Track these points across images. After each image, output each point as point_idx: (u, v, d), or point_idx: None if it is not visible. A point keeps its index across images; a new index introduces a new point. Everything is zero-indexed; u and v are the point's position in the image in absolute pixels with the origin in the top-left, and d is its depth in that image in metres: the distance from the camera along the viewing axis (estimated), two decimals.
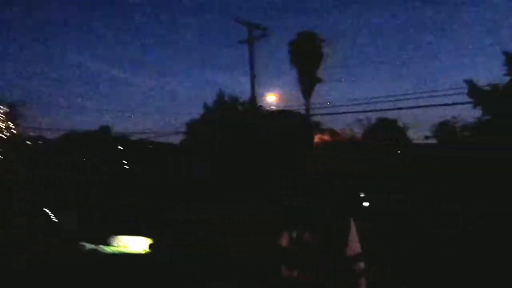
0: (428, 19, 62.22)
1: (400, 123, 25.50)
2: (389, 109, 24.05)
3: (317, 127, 29.08)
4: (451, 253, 8.06)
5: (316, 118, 30.28)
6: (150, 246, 10.93)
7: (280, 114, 1.97)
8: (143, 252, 11.33)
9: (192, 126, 27.23)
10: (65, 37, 71.47)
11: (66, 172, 20.05)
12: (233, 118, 20.91)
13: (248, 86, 24.31)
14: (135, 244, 11.65)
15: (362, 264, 1.69)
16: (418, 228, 9.95)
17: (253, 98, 23.60)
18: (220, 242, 7.93)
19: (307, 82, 30.41)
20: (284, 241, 1.69)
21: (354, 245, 1.69)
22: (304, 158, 1.76)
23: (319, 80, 30.44)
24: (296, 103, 31.22)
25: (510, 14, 59.35)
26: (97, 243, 11.34)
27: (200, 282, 6.60)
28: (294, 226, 1.68)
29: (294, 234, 1.67)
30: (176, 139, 29.67)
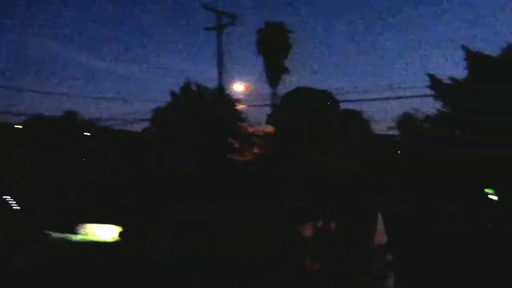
0: (394, 13, 63.55)
1: (364, 115, 26.12)
2: (357, 100, 24.48)
3: None
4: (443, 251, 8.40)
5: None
6: (120, 234, 10.95)
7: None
8: (112, 240, 11.30)
9: (158, 114, 26.90)
10: (27, 20, 68.90)
11: (39, 158, 19.51)
12: (200, 107, 20.85)
13: (216, 75, 24.23)
14: (104, 232, 11.61)
15: (389, 256, 1.71)
16: (417, 228, 10.15)
17: (221, 87, 23.59)
18: (219, 242, 7.95)
19: (274, 72, 30.60)
20: (308, 231, 1.68)
21: (381, 237, 1.71)
22: (295, 153, 1.76)
23: (286, 70, 30.69)
24: (263, 93, 31.30)
25: (475, 11, 61.32)
26: (65, 232, 11.25)
27: (200, 282, 6.67)
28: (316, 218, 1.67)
29: (318, 225, 1.66)
30: (138, 128, 29.13)
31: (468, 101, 13.98)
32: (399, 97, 24.92)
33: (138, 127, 34.48)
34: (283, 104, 1.89)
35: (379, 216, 1.72)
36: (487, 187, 12.67)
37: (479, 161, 12.76)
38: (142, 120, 26.95)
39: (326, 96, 1.84)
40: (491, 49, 15.95)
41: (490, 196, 12.77)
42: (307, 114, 1.76)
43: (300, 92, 1.86)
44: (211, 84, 25.99)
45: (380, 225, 1.72)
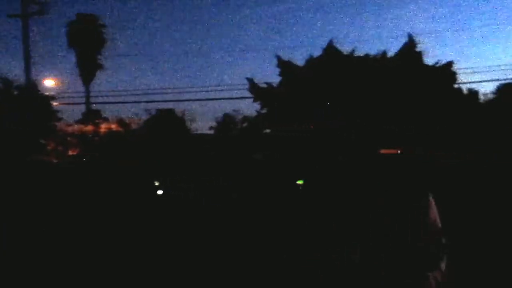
0: (217, 15, 65.87)
1: (179, 114, 26.87)
2: (176, 100, 25.02)
3: (98, 115, 28.16)
4: None
5: (97, 106, 29.29)
6: None
7: None
8: None
9: None
10: None
11: None
12: (7, 103, 18.69)
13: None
14: None
15: (444, 239, 1.88)
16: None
17: (29, 82, 21.51)
18: None
19: (87, 68, 29.18)
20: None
21: (437, 221, 1.87)
22: None
23: (100, 67, 29.55)
24: (75, 89, 29.51)
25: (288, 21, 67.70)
26: None
27: None
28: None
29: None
30: None
31: (281, 104, 15.94)
32: (218, 98, 26.50)
33: None
34: None
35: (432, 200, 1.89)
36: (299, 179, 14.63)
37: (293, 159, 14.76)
38: None
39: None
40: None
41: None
42: None
43: None
44: (20, 78, 23.38)
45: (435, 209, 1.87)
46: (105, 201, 13.05)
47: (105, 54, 29.95)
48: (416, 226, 1.78)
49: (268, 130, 17.02)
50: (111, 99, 40.47)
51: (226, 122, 19.18)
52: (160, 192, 14.74)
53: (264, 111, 16.32)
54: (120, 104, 44.70)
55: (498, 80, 33.12)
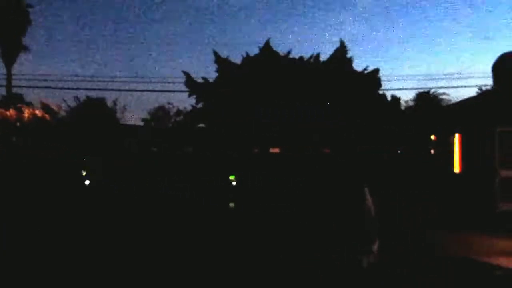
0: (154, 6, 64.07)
1: (110, 103, 26.21)
2: (104, 90, 24.30)
3: (20, 100, 26.72)
4: None
5: (18, 90, 27.71)
6: None
7: None
8: None
9: None
10: None
11: None
12: None
13: None
14: None
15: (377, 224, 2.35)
16: None
17: None
18: None
19: (9, 49, 27.51)
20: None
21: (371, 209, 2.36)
22: None
23: (24, 49, 27.96)
24: None
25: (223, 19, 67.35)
26: None
27: None
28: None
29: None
30: None
31: (217, 99, 16.19)
32: (153, 90, 26.07)
33: None
34: None
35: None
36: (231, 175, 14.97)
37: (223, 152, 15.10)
38: None
39: None
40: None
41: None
42: None
43: None
44: None
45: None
46: (30, 190, 12.66)
47: (32, 36, 28.40)
48: (355, 212, 2.20)
49: (202, 125, 17.20)
50: (37, 84, 38.32)
51: (160, 114, 19.07)
52: (87, 182, 14.50)
53: (199, 105, 16.46)
54: (45, 90, 42.49)
55: (416, 88, 35.79)
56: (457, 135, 10.03)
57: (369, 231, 2.14)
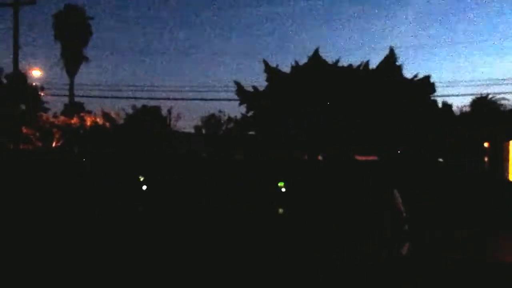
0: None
1: (164, 113, 27.30)
2: (167, 99, 25.41)
3: (81, 108, 28.29)
4: None
5: (80, 100, 29.35)
6: None
7: None
8: None
9: None
10: None
11: None
12: None
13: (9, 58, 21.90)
14: None
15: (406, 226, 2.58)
16: None
17: (17, 71, 21.58)
18: None
19: (72, 60, 29.24)
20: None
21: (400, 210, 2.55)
22: None
23: (85, 59, 29.65)
24: (61, 81, 29.56)
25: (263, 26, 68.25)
26: None
27: None
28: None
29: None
30: None
31: (267, 108, 16.61)
32: (205, 99, 26.94)
33: None
34: None
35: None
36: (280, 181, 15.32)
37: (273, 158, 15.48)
38: None
39: None
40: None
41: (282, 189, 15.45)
42: None
43: None
44: (7, 68, 23.37)
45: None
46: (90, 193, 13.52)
47: (92, 47, 30.06)
48: (384, 212, 2.45)
49: (252, 132, 17.67)
50: (96, 93, 40.34)
51: (212, 122, 19.75)
52: (144, 187, 15.25)
53: (250, 114, 16.93)
54: (103, 98, 44.48)
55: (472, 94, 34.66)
56: None
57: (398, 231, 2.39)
